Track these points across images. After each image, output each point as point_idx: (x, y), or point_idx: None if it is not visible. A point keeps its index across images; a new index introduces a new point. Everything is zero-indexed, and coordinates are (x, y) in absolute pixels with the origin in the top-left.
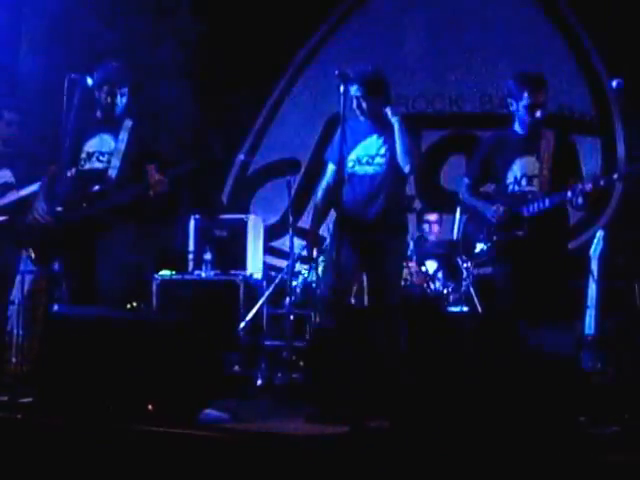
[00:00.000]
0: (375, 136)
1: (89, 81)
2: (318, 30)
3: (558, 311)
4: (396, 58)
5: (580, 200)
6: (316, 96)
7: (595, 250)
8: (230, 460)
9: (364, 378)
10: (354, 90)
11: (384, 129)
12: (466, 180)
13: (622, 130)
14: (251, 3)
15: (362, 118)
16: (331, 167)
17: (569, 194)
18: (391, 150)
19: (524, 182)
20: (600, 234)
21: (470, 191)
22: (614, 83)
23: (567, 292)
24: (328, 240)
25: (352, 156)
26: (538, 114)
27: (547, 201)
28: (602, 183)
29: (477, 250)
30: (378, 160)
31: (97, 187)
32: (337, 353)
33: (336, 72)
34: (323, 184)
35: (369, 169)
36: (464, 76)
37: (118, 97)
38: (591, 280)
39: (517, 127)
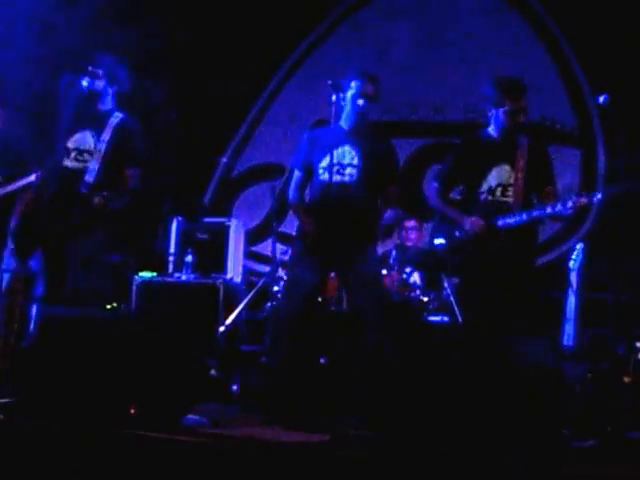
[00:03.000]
0: (348, 145)
1: (84, 83)
2: (307, 37)
3: (526, 324)
4: (381, 66)
5: (565, 213)
6: (303, 102)
7: (575, 262)
8: (213, 466)
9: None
10: (371, 88)
11: (359, 138)
12: (435, 184)
13: (603, 143)
14: (242, 7)
15: (347, 122)
16: (297, 173)
17: (548, 210)
18: (364, 161)
19: (499, 192)
20: (580, 246)
21: (440, 196)
22: (601, 99)
23: (535, 305)
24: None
25: (323, 164)
26: (522, 118)
27: (525, 215)
28: (585, 201)
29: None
30: (350, 170)
31: (75, 189)
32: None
33: (329, 82)
34: (293, 186)
35: (340, 178)
36: (448, 85)
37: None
38: (570, 292)
39: (492, 130)
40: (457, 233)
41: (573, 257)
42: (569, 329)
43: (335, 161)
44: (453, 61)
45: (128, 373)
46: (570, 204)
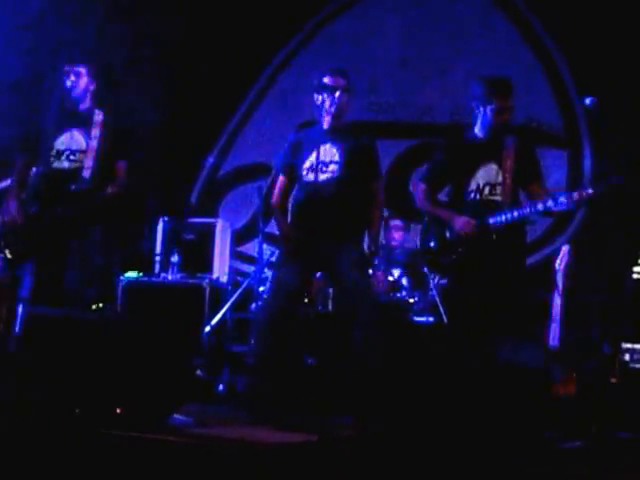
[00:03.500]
0: (329, 144)
1: (68, 83)
2: (294, 37)
3: (516, 324)
4: (368, 67)
5: (556, 208)
6: (290, 102)
7: (560, 263)
8: (199, 466)
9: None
10: (343, 82)
11: (339, 135)
12: (422, 185)
13: (589, 145)
14: (229, 6)
15: (327, 120)
16: (280, 178)
17: (540, 206)
18: (345, 156)
19: (487, 191)
20: (566, 248)
21: (428, 198)
22: (587, 101)
23: (526, 305)
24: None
25: (306, 164)
26: (507, 117)
27: (515, 213)
28: (576, 196)
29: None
30: (332, 167)
31: (73, 187)
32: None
33: (314, 82)
34: (276, 191)
35: (323, 177)
36: (435, 86)
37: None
38: (556, 293)
39: (478, 130)
40: (448, 234)
41: (559, 258)
42: (555, 330)
43: (317, 160)
44: (440, 62)
45: (114, 373)
46: (562, 199)
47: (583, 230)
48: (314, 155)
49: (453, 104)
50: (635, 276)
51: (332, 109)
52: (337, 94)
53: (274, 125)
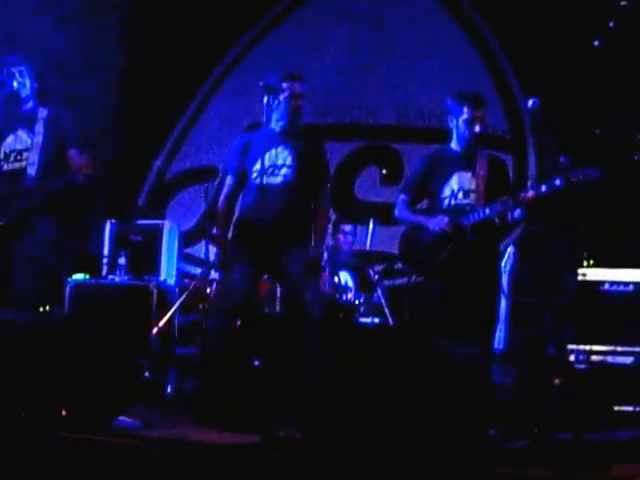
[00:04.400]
0: (281, 147)
1: (15, 84)
2: (242, 39)
3: (485, 324)
4: (315, 69)
5: (518, 212)
6: (236, 105)
7: (505, 266)
8: (144, 468)
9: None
10: (299, 88)
11: (292, 139)
12: (402, 196)
13: (534, 148)
14: (178, 8)
15: (279, 123)
16: (229, 180)
17: (510, 202)
18: (297, 161)
19: (461, 195)
20: (511, 250)
21: (407, 207)
22: (530, 102)
23: (496, 305)
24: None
25: (256, 167)
26: (477, 128)
27: (488, 210)
28: (543, 189)
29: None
30: (284, 171)
31: (19, 188)
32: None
33: (261, 83)
34: (225, 192)
35: (274, 180)
36: (381, 88)
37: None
38: (501, 295)
39: (454, 144)
40: (425, 240)
41: (504, 260)
42: (500, 332)
43: (269, 163)
44: (386, 64)
45: (61, 375)
46: (531, 193)
47: (528, 232)
48: (265, 157)
49: (399, 105)
50: (580, 277)
51: (289, 114)
52: (294, 100)
53: (220, 128)
